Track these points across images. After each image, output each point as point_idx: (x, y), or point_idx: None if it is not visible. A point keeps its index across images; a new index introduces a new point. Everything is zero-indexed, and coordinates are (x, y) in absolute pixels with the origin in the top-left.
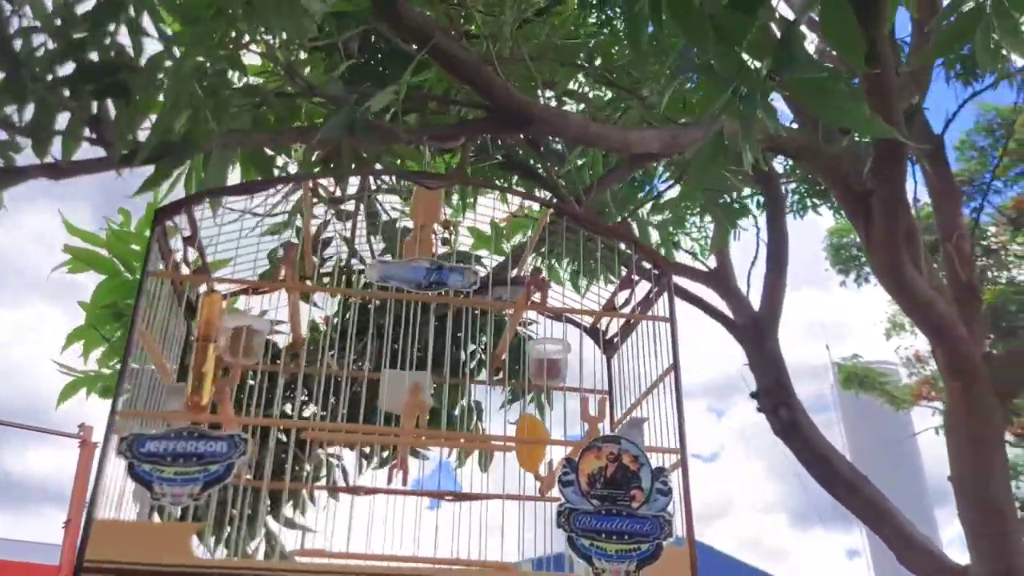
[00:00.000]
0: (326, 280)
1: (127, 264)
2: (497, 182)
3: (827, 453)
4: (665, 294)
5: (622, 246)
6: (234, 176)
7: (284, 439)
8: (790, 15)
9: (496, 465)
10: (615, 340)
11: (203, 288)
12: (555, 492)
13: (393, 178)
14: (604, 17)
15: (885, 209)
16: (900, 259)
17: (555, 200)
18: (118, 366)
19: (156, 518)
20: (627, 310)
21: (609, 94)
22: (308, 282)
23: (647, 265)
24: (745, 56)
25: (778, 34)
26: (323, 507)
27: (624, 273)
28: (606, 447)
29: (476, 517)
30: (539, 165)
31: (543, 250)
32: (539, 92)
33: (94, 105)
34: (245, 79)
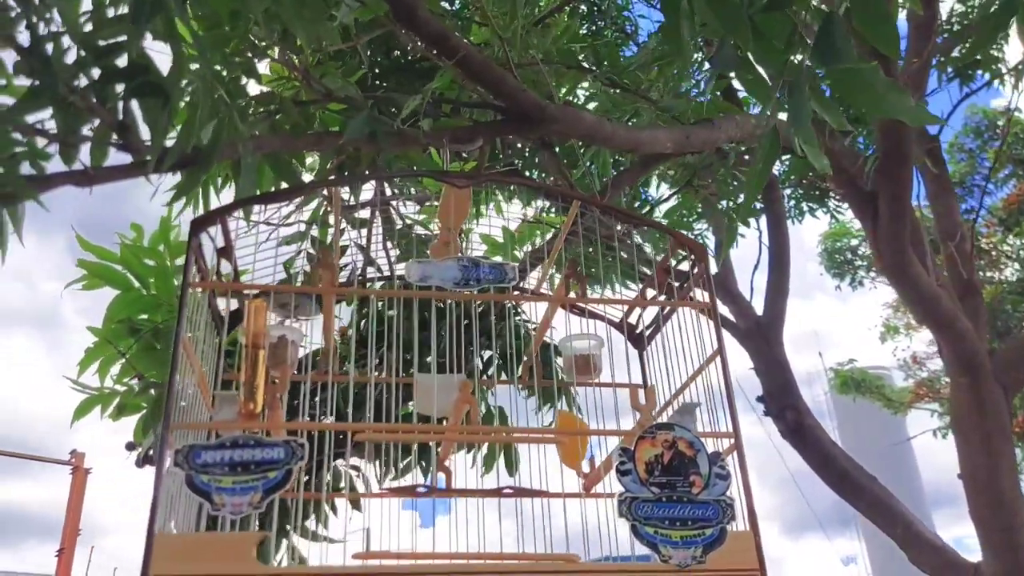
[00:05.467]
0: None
1: (141, 279)
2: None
3: (835, 455)
4: (702, 281)
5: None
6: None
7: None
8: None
9: (525, 467)
10: (647, 333)
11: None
12: (599, 488)
13: (409, 186)
14: (594, 28)
15: (891, 207)
16: (907, 256)
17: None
18: (133, 382)
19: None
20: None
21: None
22: None
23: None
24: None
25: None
26: (348, 517)
27: (659, 263)
28: (661, 434)
29: (530, 516)
30: (544, 173)
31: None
32: (552, 94)
33: (120, 110)
34: (260, 87)
